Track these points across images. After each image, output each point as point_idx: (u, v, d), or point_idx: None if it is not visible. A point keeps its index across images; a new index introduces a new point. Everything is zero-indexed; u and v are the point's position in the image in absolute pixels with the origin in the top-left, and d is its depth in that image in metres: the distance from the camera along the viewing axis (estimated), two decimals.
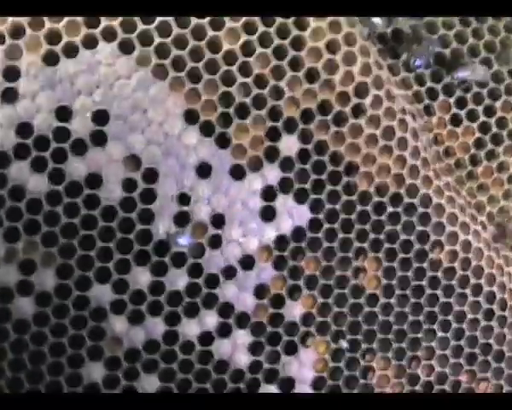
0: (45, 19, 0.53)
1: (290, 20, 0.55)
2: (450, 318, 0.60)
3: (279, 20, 0.56)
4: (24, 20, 0.53)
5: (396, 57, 0.61)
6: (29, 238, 0.53)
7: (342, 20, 0.57)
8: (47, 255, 0.54)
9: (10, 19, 0.53)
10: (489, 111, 0.63)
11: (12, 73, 0.54)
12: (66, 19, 0.54)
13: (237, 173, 0.55)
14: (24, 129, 0.54)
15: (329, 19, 0.57)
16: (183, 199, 0.54)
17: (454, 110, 0.62)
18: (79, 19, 0.53)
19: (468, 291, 0.60)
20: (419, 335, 0.59)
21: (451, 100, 0.62)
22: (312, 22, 0.57)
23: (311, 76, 0.56)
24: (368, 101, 0.57)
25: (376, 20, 0.58)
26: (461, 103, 0.62)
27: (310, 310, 0.58)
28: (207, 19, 0.55)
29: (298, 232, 0.57)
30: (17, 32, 0.54)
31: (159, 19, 0.54)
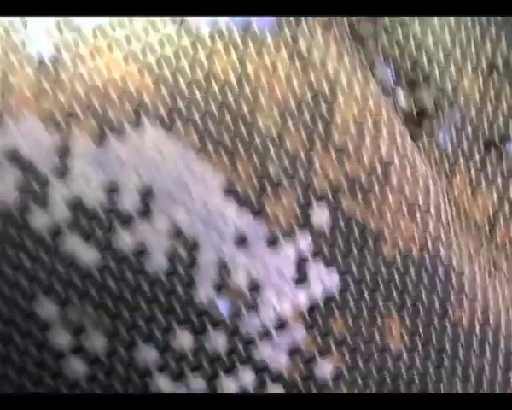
0: (94, 101, 0.58)
1: (321, 102, 0.59)
2: (470, 373, 0.64)
3: (310, 99, 0.60)
4: (76, 106, 0.57)
5: (419, 126, 0.65)
6: (81, 306, 0.58)
7: (369, 94, 0.62)
8: (98, 321, 0.59)
9: (64, 102, 0.57)
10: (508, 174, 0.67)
11: (64, 152, 0.58)
12: (113, 99, 0.58)
13: (272, 242, 0.60)
14: (75, 204, 0.58)
15: (357, 93, 0.61)
16: (222, 267, 0.59)
17: (474, 173, 0.66)
18: (126, 102, 0.58)
19: (487, 349, 0.64)
20: (441, 389, 0.63)
21: (471, 164, 0.66)
22: (341, 97, 0.61)
23: (340, 149, 0.60)
24: (393, 170, 0.61)
25: (400, 96, 0.63)
26: (481, 167, 0.66)
27: (339, 368, 0.62)
28: (243, 98, 0.59)
29: (328, 296, 0.61)
30: (69, 114, 0.58)
31: (199, 99, 0.58)
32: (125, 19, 0.57)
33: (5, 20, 0.57)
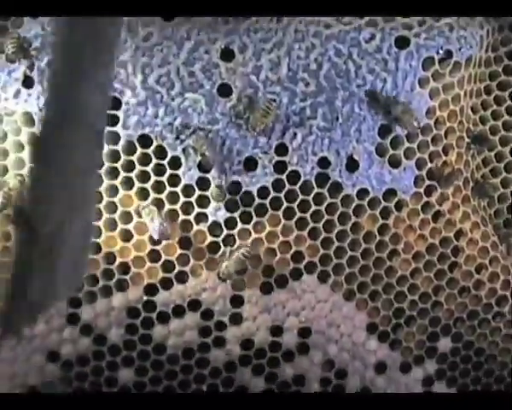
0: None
1: None
2: None
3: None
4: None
5: None
6: None
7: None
8: None
9: None
10: None
11: (237, 302, 0.67)
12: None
13: (405, 368, 0.71)
14: (247, 343, 0.67)
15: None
16: (365, 391, 0.70)
17: None
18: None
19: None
20: None
21: None
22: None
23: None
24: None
25: None
26: None
27: None
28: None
29: None
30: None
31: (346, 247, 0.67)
32: None
33: None
